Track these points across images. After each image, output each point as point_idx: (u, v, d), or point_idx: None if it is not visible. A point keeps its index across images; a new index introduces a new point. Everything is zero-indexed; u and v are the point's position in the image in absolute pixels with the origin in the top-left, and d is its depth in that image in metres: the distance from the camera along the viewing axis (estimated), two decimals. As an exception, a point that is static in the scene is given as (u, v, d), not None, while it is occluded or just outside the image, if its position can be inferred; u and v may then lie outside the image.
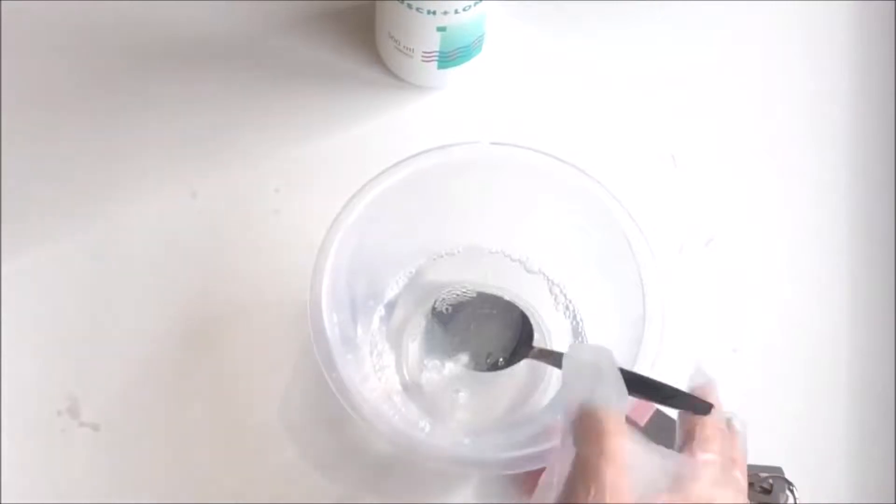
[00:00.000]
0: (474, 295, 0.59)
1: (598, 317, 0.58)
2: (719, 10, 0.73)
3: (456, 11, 0.59)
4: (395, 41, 0.63)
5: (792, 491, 0.53)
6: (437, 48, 0.62)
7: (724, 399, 0.48)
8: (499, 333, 0.58)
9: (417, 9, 0.59)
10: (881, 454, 0.63)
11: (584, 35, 0.71)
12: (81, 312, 0.61)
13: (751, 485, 0.52)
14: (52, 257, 0.62)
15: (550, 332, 0.60)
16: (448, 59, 0.64)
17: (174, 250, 0.63)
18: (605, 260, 0.55)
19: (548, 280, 0.60)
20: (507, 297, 0.59)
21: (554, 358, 0.54)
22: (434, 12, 0.59)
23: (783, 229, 0.68)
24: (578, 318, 0.59)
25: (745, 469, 0.46)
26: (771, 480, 0.53)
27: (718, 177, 0.68)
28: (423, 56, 0.63)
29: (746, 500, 0.44)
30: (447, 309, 0.59)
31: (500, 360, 0.57)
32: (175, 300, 0.62)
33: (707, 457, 0.44)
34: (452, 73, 0.65)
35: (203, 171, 0.65)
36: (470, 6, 0.59)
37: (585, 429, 0.43)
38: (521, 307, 0.59)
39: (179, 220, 0.63)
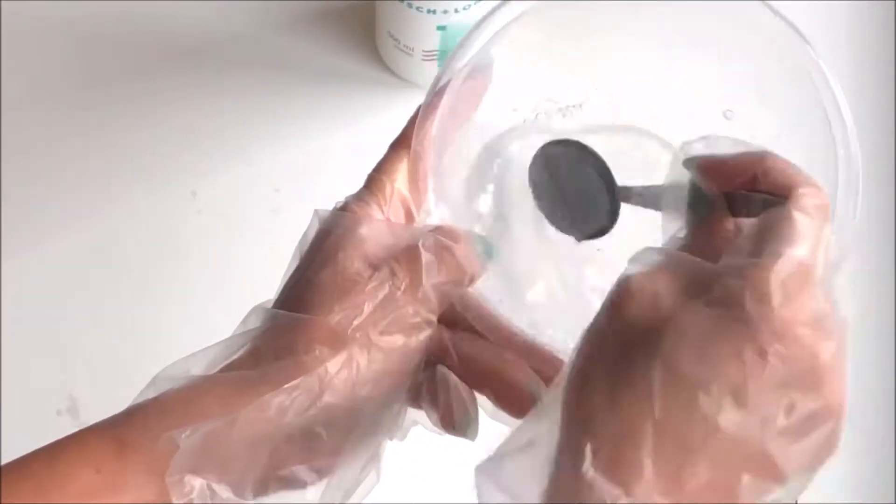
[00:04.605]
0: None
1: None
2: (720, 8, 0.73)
3: (456, 10, 0.59)
4: (396, 40, 0.63)
5: None
6: (437, 47, 0.62)
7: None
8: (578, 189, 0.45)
9: (417, 8, 0.59)
10: (881, 454, 0.63)
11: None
12: (81, 312, 0.61)
13: None
14: (52, 257, 0.62)
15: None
16: (448, 58, 0.64)
17: (174, 250, 0.63)
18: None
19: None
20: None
21: (650, 194, 0.42)
22: (434, 11, 0.59)
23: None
24: None
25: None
26: None
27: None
28: (423, 55, 0.63)
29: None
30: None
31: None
32: (175, 300, 0.62)
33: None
34: (452, 72, 0.65)
35: (203, 171, 0.64)
36: (470, 5, 0.59)
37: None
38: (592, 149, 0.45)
39: (179, 219, 0.63)
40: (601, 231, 0.45)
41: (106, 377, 0.60)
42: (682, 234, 0.37)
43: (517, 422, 0.39)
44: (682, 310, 0.32)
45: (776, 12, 0.43)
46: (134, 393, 0.59)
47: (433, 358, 0.39)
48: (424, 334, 0.38)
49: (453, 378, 0.39)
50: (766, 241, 0.32)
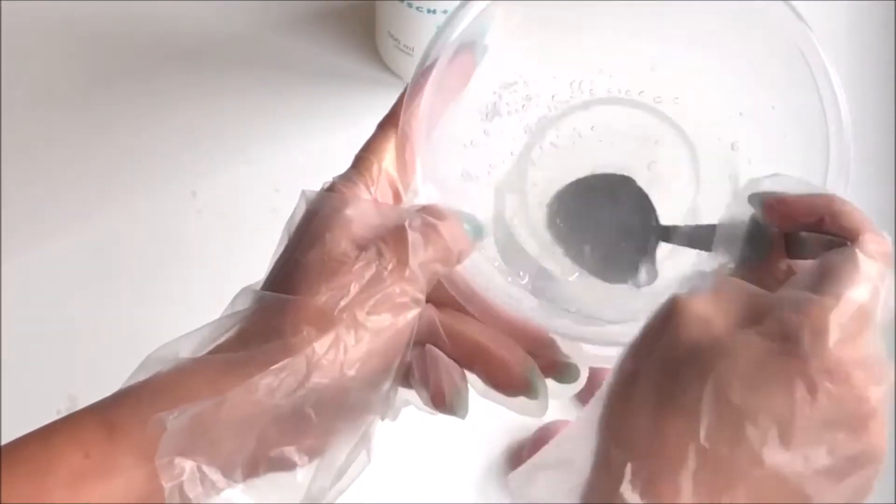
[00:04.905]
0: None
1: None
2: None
3: (456, 11, 0.59)
4: (396, 40, 0.63)
5: None
6: (437, 47, 0.62)
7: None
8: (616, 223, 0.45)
9: (417, 8, 0.59)
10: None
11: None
12: (81, 312, 0.61)
13: None
14: (52, 257, 0.62)
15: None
16: (448, 58, 0.64)
17: (174, 250, 0.63)
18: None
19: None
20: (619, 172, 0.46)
21: (699, 234, 0.41)
22: (434, 11, 0.59)
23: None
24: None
25: None
26: None
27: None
28: (423, 55, 0.63)
29: None
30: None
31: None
32: (175, 300, 0.62)
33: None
34: (452, 72, 0.65)
35: (203, 171, 0.64)
36: (470, 5, 0.59)
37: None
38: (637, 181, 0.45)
39: (179, 219, 0.63)
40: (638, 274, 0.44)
41: (106, 377, 0.60)
42: (729, 268, 0.37)
43: (507, 399, 0.39)
44: (734, 337, 0.32)
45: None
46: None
47: (423, 337, 0.39)
48: (412, 314, 0.37)
49: (443, 357, 0.39)
50: (829, 281, 0.32)
